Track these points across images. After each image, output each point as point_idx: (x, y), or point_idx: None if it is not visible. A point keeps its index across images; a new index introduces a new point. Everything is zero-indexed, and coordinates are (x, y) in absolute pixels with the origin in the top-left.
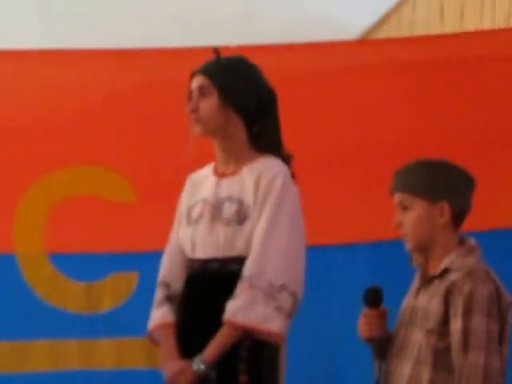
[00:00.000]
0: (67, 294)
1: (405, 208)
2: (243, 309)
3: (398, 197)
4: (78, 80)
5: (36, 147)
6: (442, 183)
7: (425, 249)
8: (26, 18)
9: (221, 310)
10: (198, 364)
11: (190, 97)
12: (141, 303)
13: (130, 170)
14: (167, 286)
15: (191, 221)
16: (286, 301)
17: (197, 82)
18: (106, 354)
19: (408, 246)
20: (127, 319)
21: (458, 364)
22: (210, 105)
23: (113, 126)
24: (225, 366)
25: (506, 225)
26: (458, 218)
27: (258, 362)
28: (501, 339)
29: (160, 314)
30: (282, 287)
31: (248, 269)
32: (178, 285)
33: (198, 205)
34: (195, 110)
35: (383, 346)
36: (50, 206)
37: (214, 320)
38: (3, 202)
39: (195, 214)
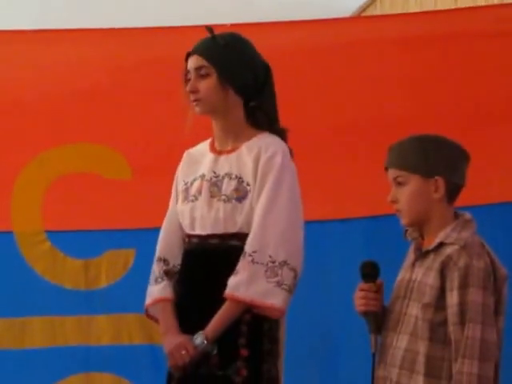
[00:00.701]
0: (65, 271)
1: (399, 184)
2: (245, 284)
3: (392, 173)
4: (74, 59)
5: (33, 125)
6: (437, 158)
7: (420, 224)
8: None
9: (221, 285)
10: (201, 339)
11: (186, 77)
12: (138, 280)
13: (127, 148)
14: (165, 261)
15: (189, 197)
16: (287, 276)
17: (194, 62)
18: (104, 329)
19: (403, 221)
20: (124, 296)
21: (455, 337)
22: (208, 85)
23: (109, 103)
24: (225, 340)
25: (500, 199)
26: (452, 192)
27: (258, 337)
28: (496, 311)
29: (158, 290)
30: (283, 263)
31: (250, 245)
32: (175, 260)
33: (197, 182)
34: (194, 91)
35: (379, 320)
36: (47, 183)
37: (214, 295)
38: (1, 180)
39: (193, 190)
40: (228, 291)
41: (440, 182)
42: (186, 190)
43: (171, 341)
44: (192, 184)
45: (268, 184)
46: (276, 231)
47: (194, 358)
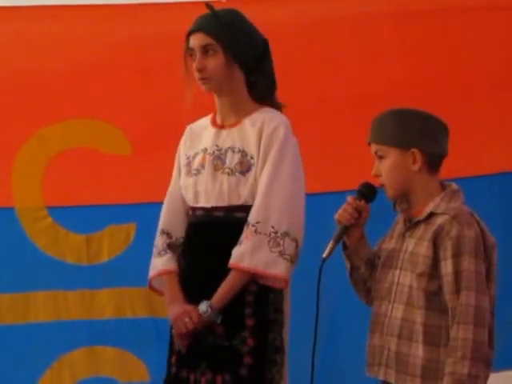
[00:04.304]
0: (67, 246)
1: (380, 157)
2: (248, 253)
3: (373, 147)
4: (73, 34)
5: (31, 103)
6: (412, 131)
7: (404, 195)
8: None
9: (227, 256)
10: (206, 307)
11: (188, 54)
12: (139, 253)
13: (126, 123)
14: (168, 234)
15: (192, 171)
16: (289, 247)
17: (200, 40)
18: (106, 303)
19: (387, 194)
20: (126, 269)
21: (451, 305)
22: (216, 64)
23: (108, 79)
24: (231, 310)
25: (488, 171)
26: (432, 163)
27: (263, 307)
28: (487, 279)
29: (162, 262)
30: (284, 234)
31: (253, 216)
32: (178, 234)
33: (198, 156)
34: (202, 70)
35: (346, 235)
36: (47, 159)
37: (220, 267)
38: (1, 157)
39: (196, 164)
40: (232, 261)
41: (417, 153)
42: (189, 164)
43: (176, 310)
44: (194, 158)
45: (271, 156)
46: (278, 203)
47: (197, 326)
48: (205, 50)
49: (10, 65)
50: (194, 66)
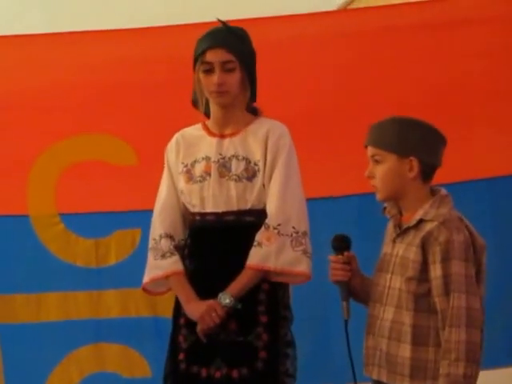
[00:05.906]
0: (77, 250)
1: (376, 161)
2: (273, 255)
3: (370, 150)
4: (82, 59)
5: (45, 120)
6: (412, 139)
7: (394, 200)
8: (27, 5)
9: (239, 258)
10: (228, 297)
11: (202, 66)
12: (144, 257)
13: (133, 137)
14: (171, 237)
15: (195, 178)
16: (309, 245)
17: (220, 56)
18: (112, 303)
19: (378, 197)
20: (132, 271)
21: (441, 307)
22: (235, 79)
23: (116, 98)
24: (245, 308)
25: (479, 176)
26: (427, 172)
27: (275, 304)
28: (478, 280)
29: (169, 263)
30: (304, 233)
31: (273, 218)
32: (179, 236)
33: (201, 163)
34: (222, 84)
35: (350, 288)
36: (60, 171)
37: (231, 267)
38: (18, 169)
39: (199, 171)
40: (255, 262)
41: (414, 162)
42: (189, 172)
43: (198, 307)
44: (193, 166)
45: (281, 162)
46: (295, 204)
47: (223, 318)
48: (224, 65)
49: (27, 88)
50: (214, 79)
